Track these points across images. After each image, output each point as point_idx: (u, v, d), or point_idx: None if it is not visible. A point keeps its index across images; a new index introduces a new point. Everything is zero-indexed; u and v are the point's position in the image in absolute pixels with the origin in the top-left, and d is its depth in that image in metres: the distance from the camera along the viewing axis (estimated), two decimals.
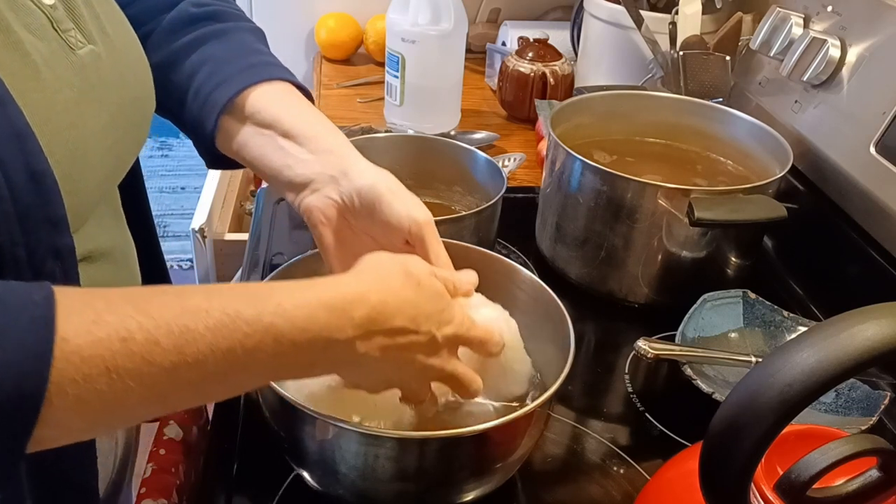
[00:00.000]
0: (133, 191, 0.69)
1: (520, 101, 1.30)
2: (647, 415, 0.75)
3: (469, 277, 0.60)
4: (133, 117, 0.57)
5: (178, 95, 0.67)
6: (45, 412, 0.37)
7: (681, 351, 0.75)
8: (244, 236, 1.15)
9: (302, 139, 0.63)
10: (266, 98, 0.65)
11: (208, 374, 0.42)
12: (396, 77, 1.21)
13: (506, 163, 1.11)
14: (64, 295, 0.39)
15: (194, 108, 0.66)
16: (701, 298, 0.81)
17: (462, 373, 0.55)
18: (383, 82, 1.26)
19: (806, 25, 0.97)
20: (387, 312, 0.48)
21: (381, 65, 1.30)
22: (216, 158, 0.69)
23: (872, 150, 0.84)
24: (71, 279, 0.48)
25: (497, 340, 0.57)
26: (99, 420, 0.41)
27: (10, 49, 0.46)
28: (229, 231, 1.29)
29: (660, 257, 0.85)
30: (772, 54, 1.00)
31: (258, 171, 0.67)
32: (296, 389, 0.58)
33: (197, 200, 1.26)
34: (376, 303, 0.48)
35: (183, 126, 0.69)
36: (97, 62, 0.53)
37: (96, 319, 0.39)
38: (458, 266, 0.74)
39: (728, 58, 1.09)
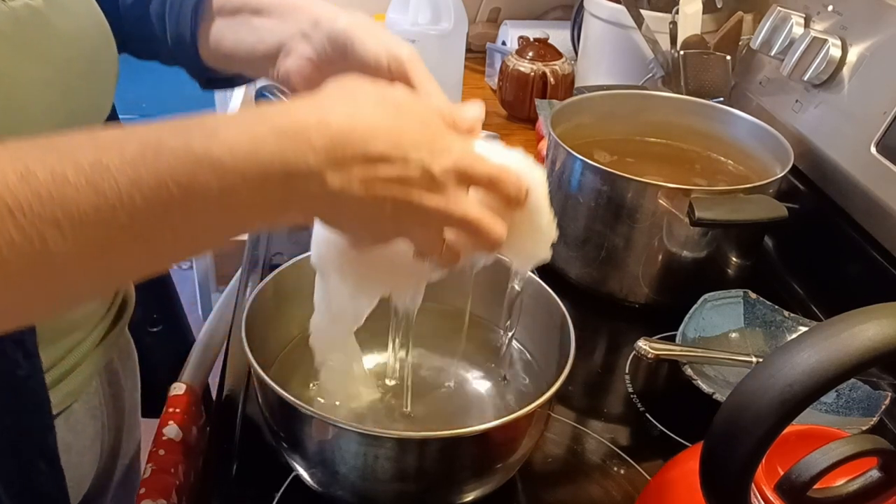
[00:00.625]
0: None
1: (520, 101, 1.30)
2: (647, 415, 0.75)
3: (473, 111, 0.49)
4: (87, 74, 0.56)
5: (158, 23, 0.66)
6: None
7: (681, 351, 0.75)
8: (244, 236, 1.15)
9: (271, 10, 0.61)
10: None
11: (141, 216, 0.35)
12: None
13: None
14: None
15: (173, 28, 0.65)
16: (701, 298, 0.81)
17: (476, 215, 0.45)
18: None
19: (806, 25, 0.97)
20: (356, 136, 0.40)
21: None
22: (208, 78, 0.68)
23: (873, 149, 0.84)
24: None
25: (516, 181, 0.47)
26: (29, 290, 0.35)
27: None
28: None
29: (660, 257, 0.85)
30: (772, 54, 1.00)
31: (239, 63, 0.64)
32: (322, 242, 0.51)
33: None
34: (342, 125, 0.40)
35: (171, 57, 0.68)
36: (35, 16, 0.51)
37: None
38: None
39: (728, 57, 1.08)
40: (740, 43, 1.11)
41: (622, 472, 0.69)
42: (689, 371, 0.73)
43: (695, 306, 0.81)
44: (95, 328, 0.65)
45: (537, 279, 0.68)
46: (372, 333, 0.74)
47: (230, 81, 0.69)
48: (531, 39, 1.31)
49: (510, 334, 0.67)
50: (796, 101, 0.97)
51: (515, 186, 0.47)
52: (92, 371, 0.65)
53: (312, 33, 0.57)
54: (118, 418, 0.74)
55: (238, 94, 1.42)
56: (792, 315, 0.82)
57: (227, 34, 0.63)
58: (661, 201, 0.81)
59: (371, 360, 0.72)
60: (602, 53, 1.27)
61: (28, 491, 0.56)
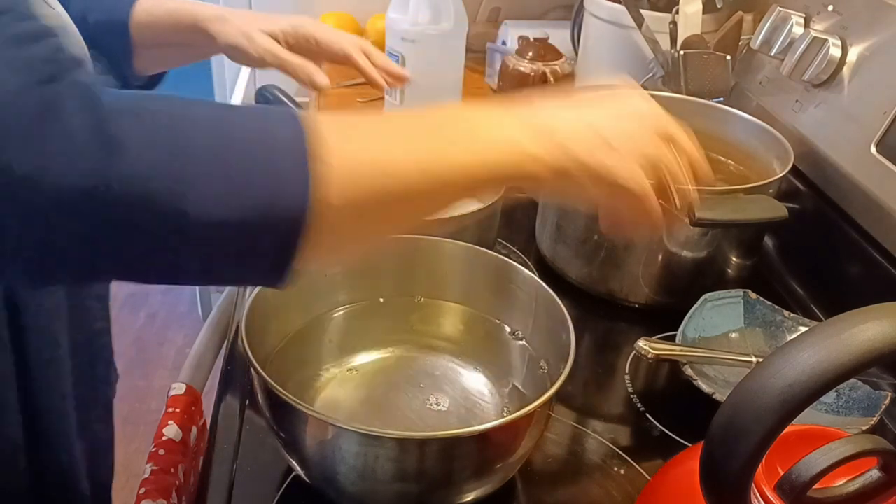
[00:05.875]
0: None
1: None
2: (647, 415, 0.75)
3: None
4: None
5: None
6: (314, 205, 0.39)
7: (681, 351, 0.75)
8: None
9: None
10: None
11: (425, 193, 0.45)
12: None
13: None
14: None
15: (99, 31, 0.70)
16: (701, 298, 0.81)
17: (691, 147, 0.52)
18: None
19: (807, 25, 0.97)
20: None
21: None
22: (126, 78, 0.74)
23: (873, 149, 0.84)
24: None
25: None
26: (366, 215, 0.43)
27: None
28: None
29: (660, 257, 0.85)
30: (772, 54, 1.00)
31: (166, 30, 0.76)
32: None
33: None
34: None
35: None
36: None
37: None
38: (457, 266, 0.74)
39: (729, 57, 1.08)
40: (740, 43, 1.11)
41: (622, 472, 0.68)
42: (689, 371, 0.73)
43: (695, 306, 0.81)
44: None
45: (537, 279, 0.68)
46: (371, 334, 0.74)
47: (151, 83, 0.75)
48: (531, 39, 1.31)
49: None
50: (796, 101, 0.97)
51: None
52: None
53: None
54: None
55: (238, 96, 1.42)
56: (792, 315, 0.82)
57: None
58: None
59: (369, 357, 0.72)
60: (602, 53, 1.27)
61: (86, 441, 0.60)
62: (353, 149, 0.42)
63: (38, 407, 0.56)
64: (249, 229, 0.39)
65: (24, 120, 0.35)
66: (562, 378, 0.57)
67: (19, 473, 0.56)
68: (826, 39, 0.90)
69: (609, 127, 0.48)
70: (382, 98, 1.28)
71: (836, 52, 0.90)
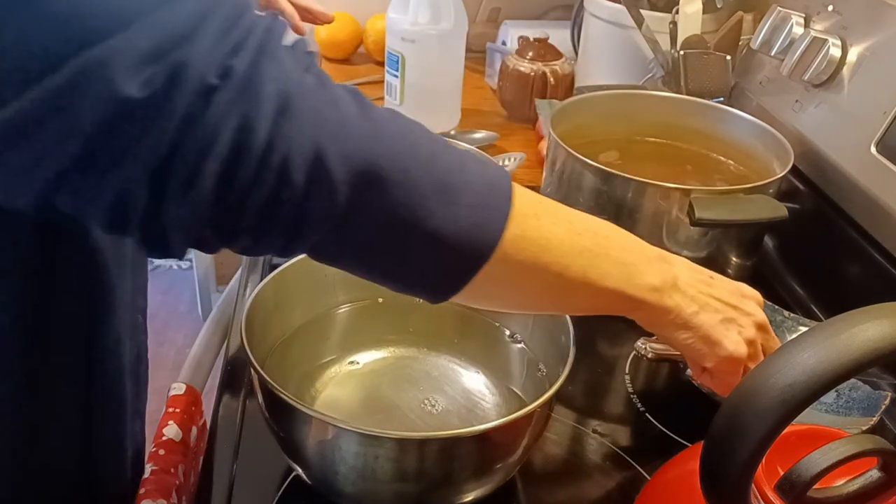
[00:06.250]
0: None
1: (520, 101, 1.30)
2: (647, 415, 0.75)
3: None
4: None
5: None
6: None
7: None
8: None
9: None
10: None
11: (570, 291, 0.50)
12: (396, 77, 1.21)
13: (506, 162, 1.11)
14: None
15: None
16: None
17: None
18: (383, 82, 1.26)
19: (807, 25, 0.97)
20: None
21: (381, 64, 1.30)
22: None
23: (873, 149, 0.84)
24: None
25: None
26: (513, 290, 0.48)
27: None
28: None
29: None
30: (772, 54, 1.00)
31: None
32: None
33: None
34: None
35: None
36: None
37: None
38: None
39: (729, 57, 1.08)
40: (740, 43, 1.11)
41: (622, 472, 0.68)
42: (688, 371, 0.73)
43: None
44: None
45: None
46: (371, 334, 0.74)
47: None
48: (531, 39, 1.31)
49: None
50: (796, 101, 0.97)
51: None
52: None
53: None
54: None
55: None
56: (792, 315, 0.82)
57: None
58: (660, 201, 0.81)
59: (369, 357, 0.72)
60: (602, 53, 1.27)
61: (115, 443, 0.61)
62: (539, 222, 0.46)
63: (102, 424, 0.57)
64: (445, 242, 0.42)
65: (311, 101, 0.38)
66: (562, 378, 0.57)
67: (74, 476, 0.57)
68: (826, 39, 0.90)
69: (726, 298, 0.55)
70: (382, 98, 1.28)
71: (836, 52, 0.90)
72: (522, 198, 0.45)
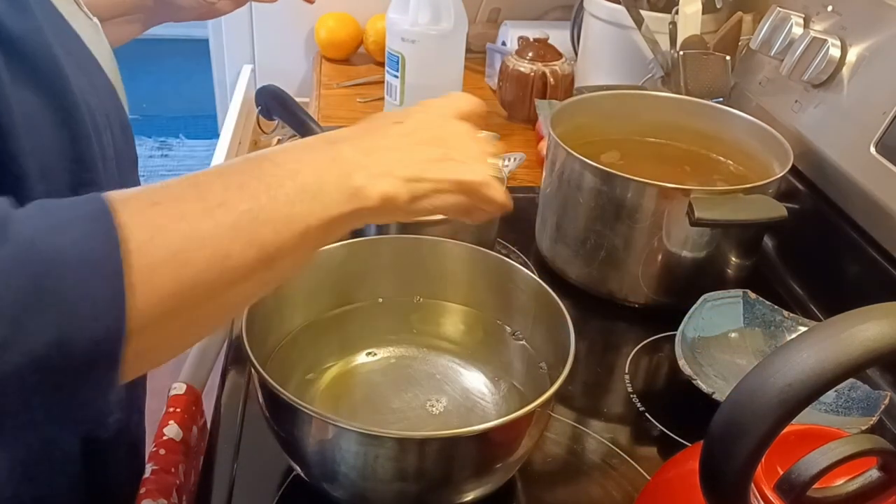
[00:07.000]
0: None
1: (520, 101, 1.30)
2: (647, 415, 0.75)
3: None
4: (118, 80, 0.60)
5: None
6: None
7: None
8: None
9: None
10: None
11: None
12: (396, 77, 1.21)
13: (506, 163, 1.11)
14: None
15: None
16: (701, 298, 0.81)
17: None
18: (383, 82, 1.26)
19: (806, 25, 0.97)
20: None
21: (381, 65, 1.30)
22: None
23: (872, 149, 0.84)
24: None
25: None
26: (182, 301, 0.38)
27: (80, 19, 0.54)
28: None
29: (660, 257, 0.85)
30: (772, 54, 1.00)
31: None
32: None
33: None
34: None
35: None
36: (98, 31, 0.59)
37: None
38: (457, 266, 0.74)
39: (728, 58, 1.08)
40: (740, 43, 1.11)
41: (622, 472, 0.69)
42: (688, 370, 0.73)
43: (694, 306, 0.81)
44: None
45: (537, 279, 0.68)
46: (371, 334, 0.74)
47: None
48: (531, 39, 1.31)
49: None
50: (796, 101, 0.97)
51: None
52: None
53: None
54: None
55: (238, 96, 1.42)
56: (792, 315, 0.82)
57: None
58: (660, 201, 0.81)
59: (369, 357, 0.72)
60: (602, 53, 1.27)
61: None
62: (159, 241, 0.37)
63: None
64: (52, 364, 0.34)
65: None
66: (562, 378, 0.57)
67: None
68: (826, 39, 0.90)
69: (425, 141, 0.50)
70: (382, 98, 1.28)
71: (835, 53, 0.90)
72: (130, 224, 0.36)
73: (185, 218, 0.38)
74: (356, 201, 0.45)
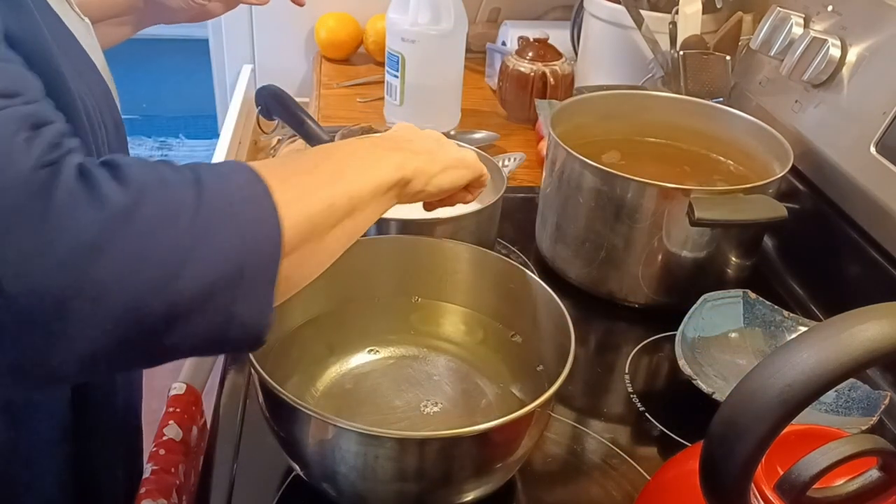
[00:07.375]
0: None
1: (520, 101, 1.30)
2: (647, 415, 0.75)
3: None
4: (110, 79, 0.63)
5: None
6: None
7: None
8: None
9: None
10: None
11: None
12: (396, 77, 1.21)
13: (506, 163, 1.11)
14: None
15: None
16: (701, 298, 0.81)
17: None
18: (383, 82, 1.26)
19: (806, 25, 0.97)
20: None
21: (381, 64, 1.30)
22: None
23: (873, 149, 0.84)
24: None
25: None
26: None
27: (72, 19, 0.55)
28: None
29: (660, 257, 0.85)
30: (772, 54, 1.00)
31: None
32: None
33: None
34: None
35: None
36: (90, 31, 0.61)
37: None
38: (457, 266, 0.74)
39: (728, 57, 1.08)
40: (740, 43, 1.11)
41: (622, 472, 0.69)
42: (688, 370, 0.73)
43: (694, 306, 0.81)
44: None
45: (537, 279, 0.68)
46: (371, 334, 0.74)
47: None
48: (531, 39, 1.31)
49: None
50: (796, 101, 0.97)
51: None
52: None
53: None
54: None
55: (238, 96, 1.42)
56: (792, 315, 0.82)
57: None
58: (661, 201, 0.81)
59: (369, 357, 0.72)
60: (602, 53, 1.27)
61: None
62: (296, 190, 0.47)
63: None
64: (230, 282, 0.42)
65: (25, 202, 0.37)
66: (562, 377, 0.57)
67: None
68: (826, 39, 0.90)
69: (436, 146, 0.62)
70: (382, 98, 1.28)
71: (835, 53, 0.90)
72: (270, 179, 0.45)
73: (311, 172, 0.50)
74: (399, 172, 0.56)
